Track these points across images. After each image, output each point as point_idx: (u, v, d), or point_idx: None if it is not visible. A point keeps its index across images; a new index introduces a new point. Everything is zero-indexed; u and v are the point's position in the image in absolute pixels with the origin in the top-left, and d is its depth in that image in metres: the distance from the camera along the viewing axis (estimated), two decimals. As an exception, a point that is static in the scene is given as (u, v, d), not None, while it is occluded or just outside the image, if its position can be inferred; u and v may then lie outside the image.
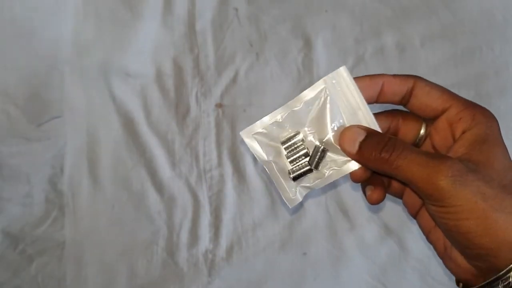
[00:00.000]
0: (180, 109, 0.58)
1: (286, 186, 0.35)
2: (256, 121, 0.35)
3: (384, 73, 0.35)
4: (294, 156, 0.35)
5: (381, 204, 0.55)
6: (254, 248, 0.56)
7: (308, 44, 0.57)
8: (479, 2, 0.55)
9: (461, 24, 0.55)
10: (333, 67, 0.57)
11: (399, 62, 0.56)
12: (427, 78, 0.56)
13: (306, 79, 0.57)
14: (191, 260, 0.55)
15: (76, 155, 0.56)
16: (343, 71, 0.34)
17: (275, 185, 0.35)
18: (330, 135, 0.34)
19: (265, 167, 0.35)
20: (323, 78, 0.34)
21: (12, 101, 0.55)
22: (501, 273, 0.30)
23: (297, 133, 0.35)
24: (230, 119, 0.57)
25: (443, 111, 0.34)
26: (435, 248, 0.36)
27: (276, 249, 0.56)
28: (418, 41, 0.56)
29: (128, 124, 0.57)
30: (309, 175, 0.35)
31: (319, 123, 0.34)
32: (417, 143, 0.37)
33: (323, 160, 0.35)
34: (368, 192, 0.37)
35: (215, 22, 0.58)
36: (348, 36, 0.57)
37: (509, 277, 0.30)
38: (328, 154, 0.35)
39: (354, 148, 0.33)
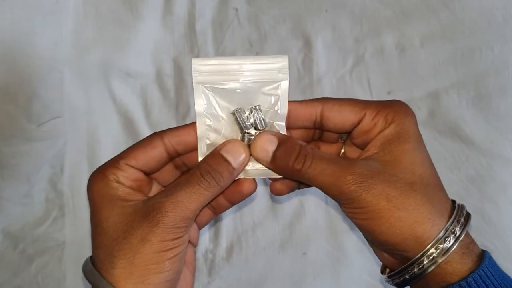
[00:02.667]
0: (180, 109, 0.58)
1: None
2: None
3: (323, 97, 0.37)
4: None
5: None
6: (254, 248, 0.56)
7: (308, 44, 0.57)
8: (479, 2, 0.55)
9: (461, 24, 0.55)
10: (333, 67, 0.57)
11: (399, 62, 0.56)
12: (427, 78, 0.56)
13: (306, 79, 0.57)
14: (191, 260, 0.55)
15: (76, 155, 0.56)
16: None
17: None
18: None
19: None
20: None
21: (12, 101, 0.55)
22: (405, 265, 0.33)
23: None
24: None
25: (359, 122, 0.36)
26: (365, 238, 0.38)
27: (276, 249, 0.56)
28: (418, 41, 0.56)
29: (128, 124, 0.57)
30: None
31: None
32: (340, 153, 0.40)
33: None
34: (273, 183, 0.38)
35: (215, 22, 0.58)
36: (348, 36, 0.57)
37: (413, 267, 0.33)
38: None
39: (268, 158, 0.35)
